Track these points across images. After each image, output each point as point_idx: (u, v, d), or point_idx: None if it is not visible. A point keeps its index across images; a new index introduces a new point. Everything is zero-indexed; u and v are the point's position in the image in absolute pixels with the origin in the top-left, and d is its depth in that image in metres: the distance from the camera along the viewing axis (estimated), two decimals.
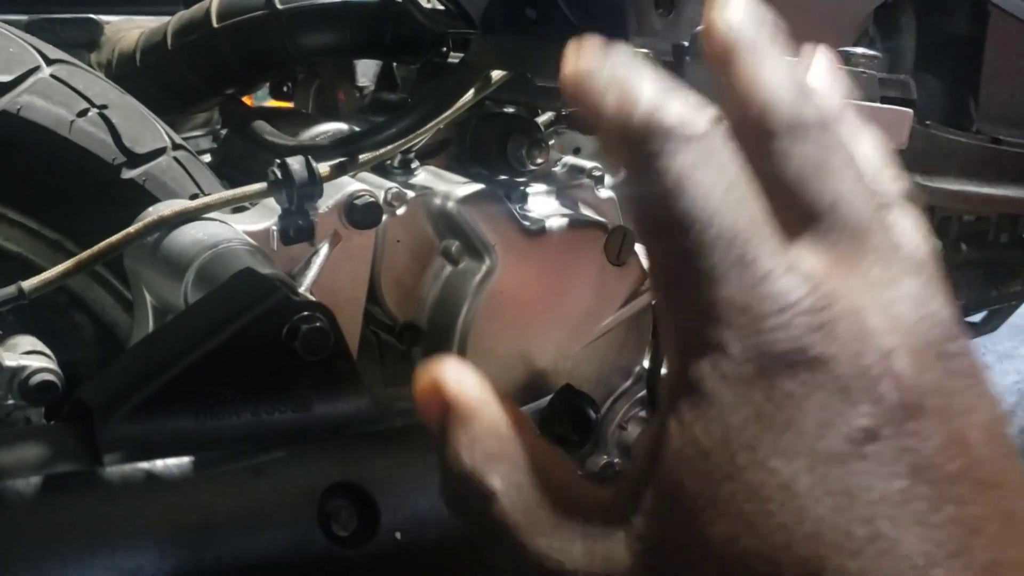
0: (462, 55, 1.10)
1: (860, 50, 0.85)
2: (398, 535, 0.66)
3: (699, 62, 0.78)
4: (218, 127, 1.48)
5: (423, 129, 1.00)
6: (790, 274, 0.34)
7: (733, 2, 0.40)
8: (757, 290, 0.34)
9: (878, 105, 0.85)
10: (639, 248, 1.21)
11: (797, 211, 0.37)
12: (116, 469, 0.60)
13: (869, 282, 0.36)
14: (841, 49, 0.86)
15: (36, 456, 0.61)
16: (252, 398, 0.69)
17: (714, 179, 0.35)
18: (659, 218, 0.35)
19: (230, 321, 0.69)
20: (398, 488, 0.68)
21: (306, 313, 0.71)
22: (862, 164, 0.40)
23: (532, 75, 0.90)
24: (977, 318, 2.00)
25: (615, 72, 0.37)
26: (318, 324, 0.71)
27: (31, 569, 0.53)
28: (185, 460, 0.62)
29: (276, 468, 0.65)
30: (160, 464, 0.61)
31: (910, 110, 0.84)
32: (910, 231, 0.39)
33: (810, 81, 0.42)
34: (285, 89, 1.56)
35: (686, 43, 0.81)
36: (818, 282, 0.34)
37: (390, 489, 0.67)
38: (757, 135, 0.38)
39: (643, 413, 1.24)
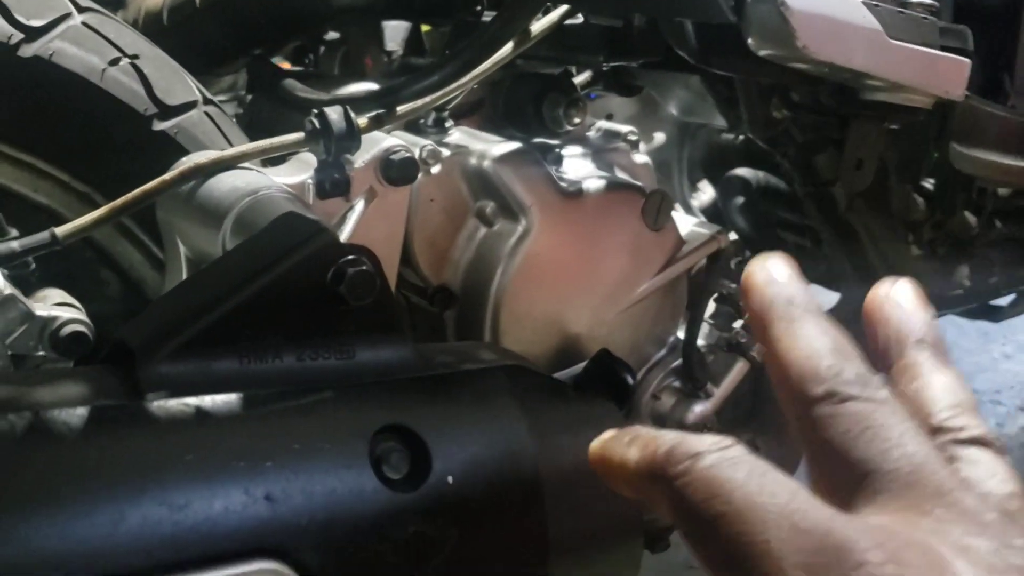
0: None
1: None
2: (450, 479, 0.64)
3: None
4: (242, 92, 1.45)
5: (464, 80, 0.97)
6: (852, 531, 0.34)
7: (769, 264, 0.44)
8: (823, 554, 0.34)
9: (938, 53, 0.83)
10: (678, 213, 1.19)
11: (848, 473, 0.38)
12: (164, 404, 0.58)
13: (937, 523, 0.36)
14: None
15: (78, 394, 0.59)
16: (296, 342, 0.67)
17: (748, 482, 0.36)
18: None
19: (275, 263, 0.67)
20: (449, 433, 0.66)
21: (352, 256, 0.69)
22: (934, 401, 0.41)
23: (586, 12, 0.88)
24: (1004, 301, 1.97)
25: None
26: (364, 268, 0.69)
27: (81, 500, 0.51)
28: (233, 398, 0.60)
29: (327, 408, 0.63)
30: (208, 400, 0.59)
31: (968, 60, 0.82)
32: (985, 467, 0.39)
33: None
34: (308, 58, 1.55)
35: None
36: (883, 535, 0.34)
37: (441, 434, 0.65)
38: (798, 402, 0.39)
39: (677, 383, 1.22)
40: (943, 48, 0.88)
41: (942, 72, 0.88)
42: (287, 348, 0.67)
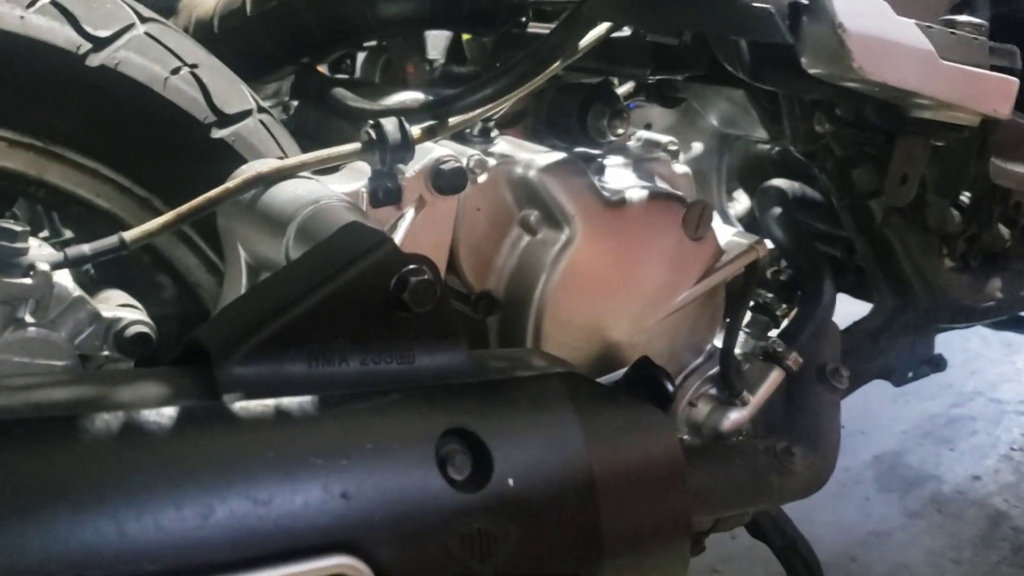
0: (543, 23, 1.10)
1: (965, 18, 0.85)
2: (511, 481, 0.66)
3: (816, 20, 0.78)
4: (286, 99, 1.48)
5: (516, 92, 1.00)
6: None
7: None
8: None
9: (987, 73, 0.84)
10: (716, 223, 1.21)
11: None
12: (245, 404, 0.60)
13: None
14: (945, 17, 0.86)
15: (157, 394, 0.61)
16: (360, 347, 0.70)
17: None
18: None
19: (341, 271, 0.70)
20: (509, 436, 0.69)
21: (414, 266, 0.71)
22: None
23: (643, 29, 0.90)
24: None
25: None
26: (426, 276, 0.72)
27: (172, 495, 0.54)
28: (308, 399, 0.63)
29: (395, 410, 0.66)
30: (285, 401, 0.62)
31: (1016, 80, 0.84)
32: None
33: None
34: (345, 64, 1.57)
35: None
36: None
37: (502, 437, 0.68)
38: None
39: (713, 391, 1.24)
40: (992, 67, 0.90)
41: (991, 91, 0.90)
42: (352, 352, 0.70)
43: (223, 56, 1.12)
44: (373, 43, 1.49)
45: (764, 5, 0.82)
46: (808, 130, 1.06)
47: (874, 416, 2.72)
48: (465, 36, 1.43)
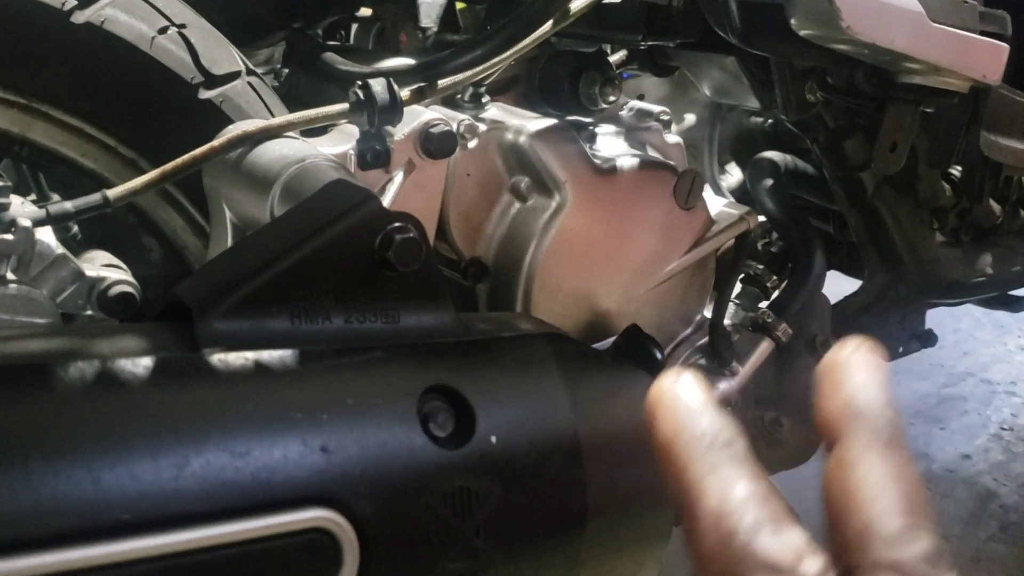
0: None
1: None
2: (493, 439, 0.66)
3: None
4: (278, 66, 1.47)
5: (505, 55, 0.99)
6: None
7: (680, 387, 0.41)
8: None
9: (977, 37, 0.84)
10: (707, 194, 1.20)
11: None
12: (224, 356, 0.60)
13: None
14: None
15: (137, 348, 0.61)
16: (344, 305, 0.69)
17: None
18: None
19: (325, 227, 0.69)
20: (493, 394, 0.68)
21: (399, 224, 0.71)
22: (875, 501, 0.37)
23: None
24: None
25: None
26: (411, 235, 0.71)
27: (148, 445, 0.53)
28: (289, 353, 0.62)
29: (377, 367, 0.65)
30: (265, 355, 0.61)
31: (1006, 45, 0.83)
32: None
33: None
34: (340, 33, 1.56)
35: None
36: None
37: (485, 395, 0.67)
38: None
39: (703, 361, 1.23)
40: (982, 32, 0.89)
41: (981, 56, 0.89)
42: (336, 310, 0.69)
43: (215, 21, 1.11)
44: (367, 11, 1.48)
45: None
46: (800, 99, 1.05)
47: None
48: (459, 4, 1.42)
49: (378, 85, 0.92)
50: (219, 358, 0.60)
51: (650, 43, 1.10)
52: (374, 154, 0.96)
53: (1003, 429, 2.64)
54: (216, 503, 0.54)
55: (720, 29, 0.93)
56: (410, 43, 1.41)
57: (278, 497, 0.56)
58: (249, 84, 1.05)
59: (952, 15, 0.87)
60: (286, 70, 1.41)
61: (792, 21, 0.80)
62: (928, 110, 1.03)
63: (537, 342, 0.76)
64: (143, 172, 0.99)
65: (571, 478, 0.71)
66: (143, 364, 0.57)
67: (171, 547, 0.52)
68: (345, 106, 0.93)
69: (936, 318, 2.66)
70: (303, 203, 0.76)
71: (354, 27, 1.55)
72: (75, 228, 1.05)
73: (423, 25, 1.40)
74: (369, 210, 0.71)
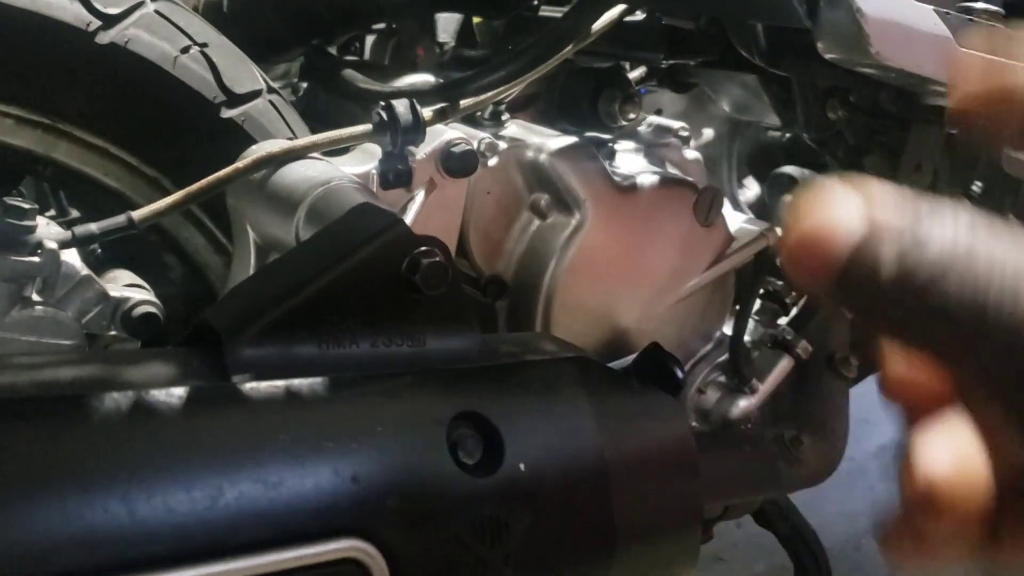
0: (555, 6, 1.09)
1: (981, 5, 0.84)
2: (522, 466, 0.66)
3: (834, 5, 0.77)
4: (295, 80, 1.47)
5: (529, 76, 0.99)
6: None
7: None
8: None
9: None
10: (726, 210, 1.20)
11: None
12: (256, 385, 0.60)
13: None
14: (962, 4, 0.86)
15: (166, 374, 0.61)
16: (371, 329, 0.69)
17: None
18: None
19: (353, 251, 0.69)
20: (520, 421, 0.68)
21: (426, 248, 0.71)
22: None
23: (661, 13, 0.89)
24: None
25: None
26: (438, 259, 0.71)
27: (182, 476, 0.53)
28: (319, 381, 0.62)
29: (406, 394, 0.65)
30: (295, 383, 0.61)
31: None
32: None
33: None
34: (354, 47, 1.56)
35: None
36: None
37: (512, 421, 0.67)
38: None
39: (722, 378, 1.23)
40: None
41: None
42: (363, 335, 0.69)
43: (232, 37, 1.11)
44: (383, 25, 1.48)
45: None
46: (821, 117, 1.05)
47: (879, 404, 2.71)
48: (476, 19, 1.42)
49: (401, 106, 0.92)
50: (251, 387, 0.60)
51: (671, 62, 1.10)
52: (396, 174, 0.96)
53: None
54: (250, 534, 0.54)
55: (745, 50, 0.93)
56: (427, 58, 1.42)
57: (311, 528, 0.56)
58: (270, 102, 1.05)
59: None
60: (304, 84, 1.41)
61: (819, 45, 0.80)
62: (954, 131, 1.03)
63: (563, 366, 0.76)
64: (165, 191, 1.00)
65: (599, 504, 0.70)
66: (176, 394, 0.57)
67: None
68: (368, 127, 0.94)
69: None
70: (329, 227, 0.76)
71: (369, 40, 1.55)
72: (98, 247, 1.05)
73: (440, 40, 1.40)
74: (396, 234, 0.71)
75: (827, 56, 0.82)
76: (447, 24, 1.41)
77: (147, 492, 0.52)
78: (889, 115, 1.01)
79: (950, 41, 0.83)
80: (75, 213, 1.18)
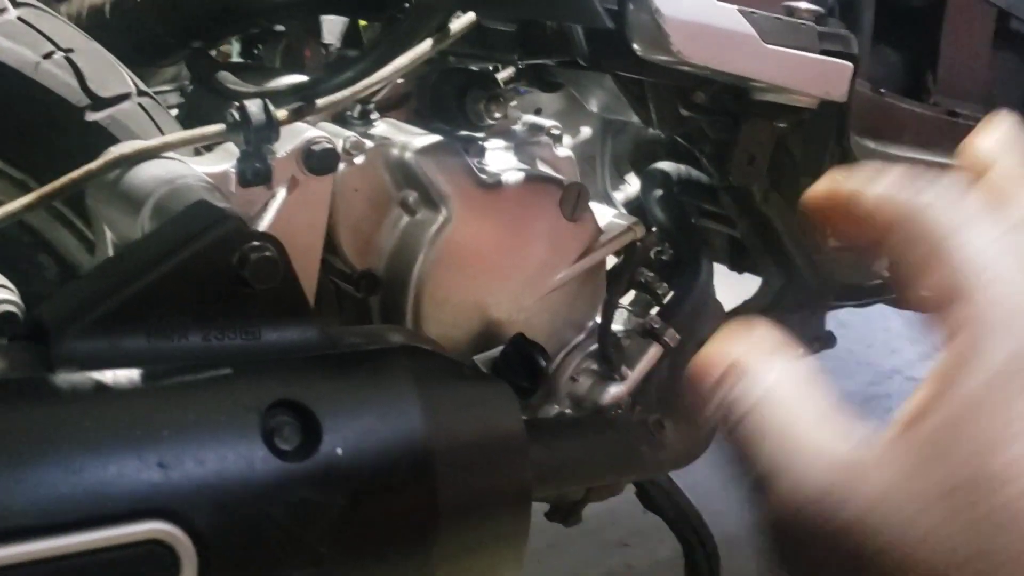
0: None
1: (804, 4, 0.89)
2: (339, 451, 0.69)
3: (639, 6, 0.81)
4: (186, 82, 1.50)
5: (378, 76, 1.02)
6: None
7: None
8: None
9: (816, 57, 0.88)
10: (593, 204, 1.24)
11: None
12: (65, 377, 0.62)
13: None
14: (785, 3, 0.90)
15: None
16: (202, 323, 0.72)
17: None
18: None
19: (181, 247, 0.72)
20: (340, 407, 0.71)
21: (256, 243, 0.74)
22: None
23: (482, 17, 0.93)
24: None
25: None
26: (267, 254, 0.74)
27: None
28: (136, 372, 0.65)
29: (222, 384, 0.68)
30: (109, 375, 0.64)
31: (850, 64, 0.87)
32: None
33: None
34: (256, 50, 1.59)
35: None
36: None
37: (333, 408, 0.71)
38: None
39: (594, 366, 1.27)
40: (824, 52, 0.93)
41: (822, 75, 0.94)
42: (194, 328, 0.72)
43: (115, 42, 1.13)
44: (273, 28, 1.51)
45: None
46: (674, 114, 1.09)
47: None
48: (362, 22, 1.45)
49: (254, 106, 0.95)
50: (64, 379, 0.63)
51: (527, 62, 1.13)
52: (254, 172, 0.99)
53: None
54: (49, 517, 0.57)
55: (568, 53, 0.96)
56: (313, 59, 1.44)
57: (111, 511, 0.59)
58: (140, 105, 1.07)
59: (788, 37, 0.91)
60: (192, 87, 1.43)
61: (635, 46, 0.84)
62: (781, 125, 1.07)
63: (394, 355, 0.79)
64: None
65: (422, 486, 0.74)
66: None
67: (3, 560, 0.55)
68: (222, 127, 0.96)
69: (864, 317, 2.71)
70: (164, 224, 0.79)
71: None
72: None
73: (325, 42, 1.43)
74: (225, 229, 0.74)
75: (643, 56, 0.86)
76: (333, 27, 1.44)
77: None
78: (724, 112, 1.06)
79: (754, 39, 0.87)
80: None
